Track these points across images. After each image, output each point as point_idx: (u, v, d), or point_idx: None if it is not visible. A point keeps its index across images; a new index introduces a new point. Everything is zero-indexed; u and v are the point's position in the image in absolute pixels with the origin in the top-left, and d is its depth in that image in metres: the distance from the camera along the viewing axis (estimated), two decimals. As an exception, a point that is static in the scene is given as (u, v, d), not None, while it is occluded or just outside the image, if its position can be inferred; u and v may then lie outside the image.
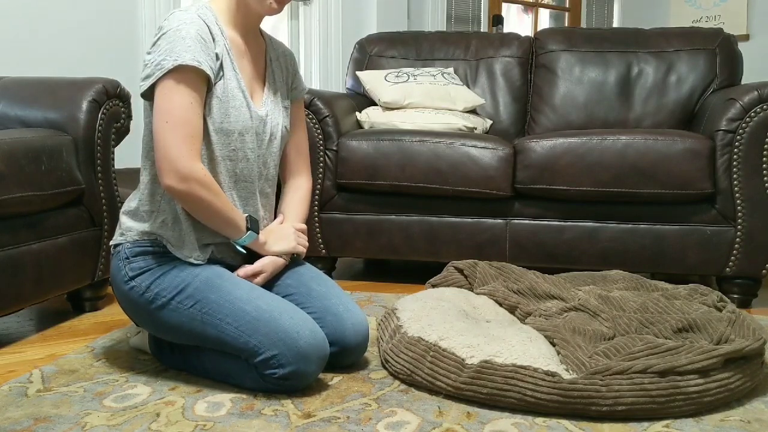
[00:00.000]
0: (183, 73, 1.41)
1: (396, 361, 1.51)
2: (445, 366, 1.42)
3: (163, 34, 1.43)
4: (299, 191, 1.72)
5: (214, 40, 1.47)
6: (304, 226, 1.68)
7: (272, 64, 1.66)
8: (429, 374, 1.43)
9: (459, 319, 1.60)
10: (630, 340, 1.44)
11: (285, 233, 1.61)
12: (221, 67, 1.48)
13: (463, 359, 1.41)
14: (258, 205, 1.60)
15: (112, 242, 1.56)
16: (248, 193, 1.57)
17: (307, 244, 1.66)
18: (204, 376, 1.51)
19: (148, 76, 1.43)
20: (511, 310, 1.77)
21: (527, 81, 2.97)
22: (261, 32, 1.66)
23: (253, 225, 1.53)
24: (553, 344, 1.47)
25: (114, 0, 3.12)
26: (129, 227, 1.52)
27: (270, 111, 1.60)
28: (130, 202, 1.56)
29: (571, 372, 1.35)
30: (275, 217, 1.69)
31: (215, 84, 1.47)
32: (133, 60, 3.15)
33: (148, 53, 1.45)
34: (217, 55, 1.47)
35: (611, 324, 1.57)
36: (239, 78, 1.52)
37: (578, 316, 1.63)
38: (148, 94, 1.46)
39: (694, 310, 1.59)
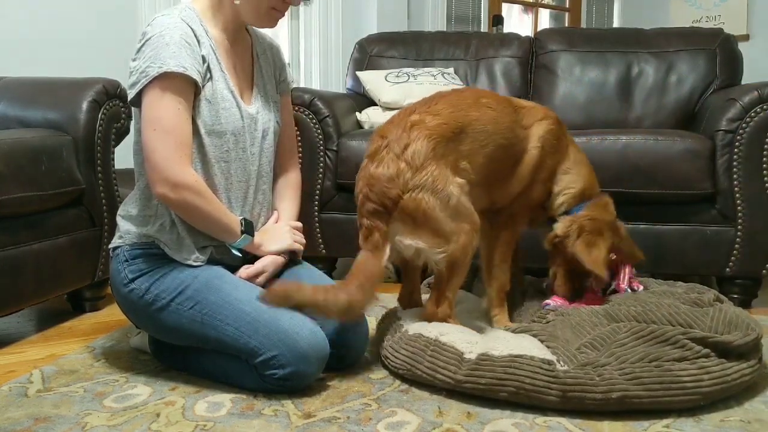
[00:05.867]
0: (169, 80, 1.39)
1: (396, 357, 1.51)
2: (444, 359, 1.43)
3: (147, 40, 1.41)
4: (290, 187, 1.72)
5: (199, 42, 1.46)
6: (299, 224, 1.67)
7: (259, 59, 1.65)
8: (429, 368, 1.44)
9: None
10: (614, 330, 1.46)
11: (280, 232, 1.61)
12: (208, 69, 1.47)
13: (462, 353, 1.42)
14: (254, 203, 1.60)
15: (111, 245, 1.56)
16: (244, 193, 1.57)
17: (303, 240, 1.65)
18: (204, 377, 1.51)
19: (134, 84, 1.42)
20: None
21: (527, 81, 2.97)
22: (245, 27, 1.64)
23: (248, 228, 1.53)
24: (542, 341, 1.50)
25: (114, 0, 3.12)
26: (127, 230, 1.52)
27: (260, 108, 1.59)
28: (128, 206, 1.55)
29: (562, 363, 1.37)
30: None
31: (203, 87, 1.46)
32: (133, 60, 3.15)
33: (133, 60, 1.44)
34: (203, 57, 1.46)
35: (606, 314, 1.58)
36: (227, 78, 1.51)
37: (572, 315, 1.64)
38: (136, 101, 1.45)
39: (683, 311, 1.58)
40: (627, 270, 1.83)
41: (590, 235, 1.70)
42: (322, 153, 2.43)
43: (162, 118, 1.39)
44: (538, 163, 1.68)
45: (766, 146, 2.13)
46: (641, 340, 1.41)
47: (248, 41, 1.64)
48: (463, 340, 1.46)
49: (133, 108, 1.50)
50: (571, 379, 1.32)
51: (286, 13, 1.57)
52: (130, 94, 1.44)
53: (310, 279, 1.60)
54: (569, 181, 1.76)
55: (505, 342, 1.45)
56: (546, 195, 1.75)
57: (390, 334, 1.59)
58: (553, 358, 1.39)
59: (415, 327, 1.55)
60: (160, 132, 1.39)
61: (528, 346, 1.44)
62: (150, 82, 1.39)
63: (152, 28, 1.43)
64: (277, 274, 1.59)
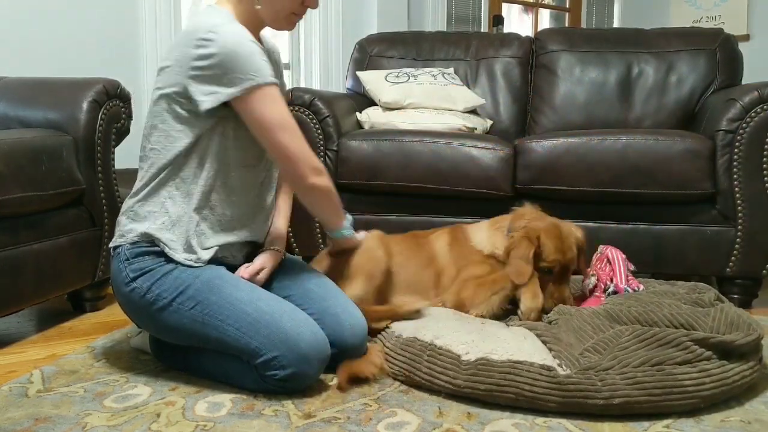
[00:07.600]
0: (269, 85, 1.43)
1: (394, 363, 1.51)
2: (442, 364, 1.43)
3: (229, 50, 1.38)
4: (285, 191, 1.75)
5: None
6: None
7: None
8: (427, 373, 1.44)
9: (451, 318, 1.63)
10: (617, 333, 1.46)
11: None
12: None
13: (459, 355, 1.42)
14: (272, 206, 1.63)
15: (111, 244, 1.55)
16: (255, 197, 1.58)
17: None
18: (204, 377, 1.51)
19: (215, 92, 1.40)
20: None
21: (527, 81, 2.97)
22: None
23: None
24: (545, 342, 1.49)
25: (114, 0, 3.12)
26: (129, 228, 1.51)
27: None
28: (129, 204, 1.55)
29: (564, 368, 1.36)
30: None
31: None
32: (134, 60, 3.15)
33: (201, 59, 1.39)
34: None
35: (607, 314, 1.58)
36: None
37: (574, 317, 1.64)
38: (213, 106, 1.43)
39: (684, 311, 1.58)
40: (622, 270, 1.82)
41: (511, 247, 1.78)
42: (322, 153, 2.43)
43: (284, 118, 1.46)
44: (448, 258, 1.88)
45: (766, 146, 2.13)
46: (644, 343, 1.40)
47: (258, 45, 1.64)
48: (459, 341, 1.46)
49: (152, 104, 1.49)
50: (572, 384, 1.31)
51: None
52: (214, 100, 1.41)
53: (310, 279, 1.62)
54: (484, 240, 1.87)
55: (504, 345, 1.44)
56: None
57: (386, 340, 1.59)
58: (555, 362, 1.37)
59: (409, 330, 1.56)
60: (291, 130, 1.46)
61: (528, 350, 1.42)
62: (255, 89, 1.41)
63: (223, 36, 1.39)
64: (277, 274, 1.61)
